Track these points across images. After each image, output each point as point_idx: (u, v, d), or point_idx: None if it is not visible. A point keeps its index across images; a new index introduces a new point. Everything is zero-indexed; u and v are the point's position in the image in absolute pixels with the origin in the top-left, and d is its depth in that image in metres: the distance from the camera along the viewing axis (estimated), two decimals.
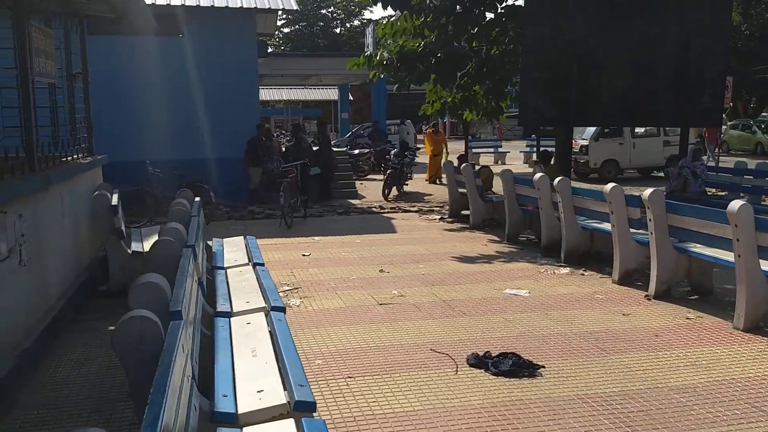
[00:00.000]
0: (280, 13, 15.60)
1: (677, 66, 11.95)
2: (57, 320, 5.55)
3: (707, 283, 6.73)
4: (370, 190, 16.66)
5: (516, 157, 25.61)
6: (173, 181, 12.40)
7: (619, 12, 11.31)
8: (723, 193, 12.09)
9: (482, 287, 7.17)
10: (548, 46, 11.57)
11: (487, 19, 13.08)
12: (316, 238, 10.37)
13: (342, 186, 15.87)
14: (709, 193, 11.39)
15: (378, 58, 13.47)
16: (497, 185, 13.00)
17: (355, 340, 5.50)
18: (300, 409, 3.10)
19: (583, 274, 7.71)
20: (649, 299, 6.60)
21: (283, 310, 4.58)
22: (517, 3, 13.00)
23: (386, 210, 13.58)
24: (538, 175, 8.82)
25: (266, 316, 4.61)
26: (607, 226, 7.74)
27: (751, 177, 10.88)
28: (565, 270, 7.88)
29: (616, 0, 11.34)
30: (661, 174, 19.83)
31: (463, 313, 6.24)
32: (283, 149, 17.55)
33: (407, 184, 16.27)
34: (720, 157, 20.52)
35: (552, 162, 11.28)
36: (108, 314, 6.36)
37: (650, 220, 6.63)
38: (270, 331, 4.24)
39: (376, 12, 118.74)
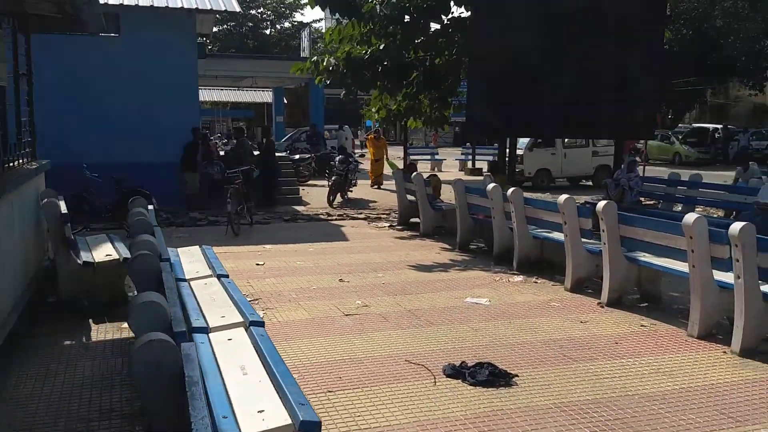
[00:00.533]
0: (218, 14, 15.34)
1: (615, 81, 12.49)
2: (11, 335, 5.26)
3: (656, 291, 7.06)
4: (314, 196, 16.56)
5: (452, 165, 26.04)
6: (111, 187, 11.96)
7: (562, 27, 11.71)
8: (658, 203, 12.70)
9: (444, 296, 7.28)
10: (493, 59, 11.86)
11: (433, 29, 13.31)
12: (268, 246, 10.23)
13: (286, 192, 15.70)
14: (644, 203, 11.92)
15: (324, 63, 13.44)
16: (447, 194, 13.22)
17: (328, 353, 5.47)
18: (305, 429, 3.07)
19: (536, 282, 7.94)
20: (602, 306, 6.87)
21: (262, 324, 4.50)
22: (463, 15, 13.25)
23: (334, 217, 13.54)
24: (491, 185, 9.02)
25: (246, 331, 4.53)
26: (557, 235, 8.02)
27: (685, 188, 11.48)
28: (519, 278, 8.10)
29: (558, 15, 11.73)
30: (590, 183, 20.65)
31: (429, 322, 6.31)
32: (222, 153, 17.23)
33: (352, 191, 16.27)
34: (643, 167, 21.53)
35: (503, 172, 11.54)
36: (61, 327, 6.10)
37: (603, 230, 6.91)
38: (255, 348, 4.17)
39: (308, 15, 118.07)
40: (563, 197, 7.54)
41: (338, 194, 15.65)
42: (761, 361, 5.15)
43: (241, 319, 4.84)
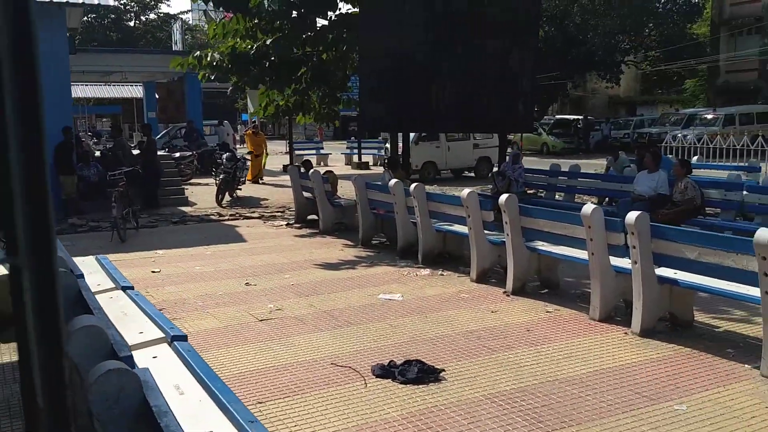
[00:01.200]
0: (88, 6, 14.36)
1: (496, 77, 13.02)
2: None
3: (555, 278, 7.46)
4: (200, 196, 15.97)
5: (337, 159, 26.06)
6: None
7: (446, 25, 12.04)
8: (537, 193, 13.41)
9: (356, 294, 7.28)
10: (383, 55, 11.99)
11: (321, 25, 13.23)
12: (160, 251, 9.75)
13: (170, 193, 15.03)
14: (529, 193, 12.54)
15: (208, 59, 12.99)
16: (346, 190, 13.22)
17: (250, 362, 5.31)
18: None
19: (442, 275, 8.15)
20: (508, 295, 7.17)
21: (185, 338, 4.29)
22: (351, 11, 13.24)
23: (226, 217, 13.13)
24: (393, 181, 9.13)
25: (170, 346, 4.30)
26: (459, 228, 8.27)
27: (565, 178, 12.20)
28: (426, 271, 8.27)
29: (442, 14, 12.04)
30: (472, 174, 21.45)
31: (348, 322, 6.29)
32: (97, 154, 16.20)
33: (240, 189, 15.85)
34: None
35: (400, 167, 11.70)
36: None
37: (506, 222, 7.20)
38: (185, 365, 3.96)
39: (174, 6, 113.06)
40: (466, 191, 7.78)
41: (227, 193, 15.20)
42: (660, 340, 5.59)
43: (161, 335, 4.57)
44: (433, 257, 8.67)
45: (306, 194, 11.86)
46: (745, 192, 9.56)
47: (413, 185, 8.68)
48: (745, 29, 34.87)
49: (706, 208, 9.68)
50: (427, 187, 9.07)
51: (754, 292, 4.91)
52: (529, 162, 13.90)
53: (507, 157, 13.07)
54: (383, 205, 9.64)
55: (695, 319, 6.03)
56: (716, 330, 5.90)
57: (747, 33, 34.94)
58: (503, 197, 7.25)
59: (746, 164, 12.97)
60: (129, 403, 2.30)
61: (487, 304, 6.87)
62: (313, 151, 25.11)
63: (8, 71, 0.64)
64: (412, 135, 19.82)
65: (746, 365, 4.97)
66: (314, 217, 11.66)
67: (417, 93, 12.00)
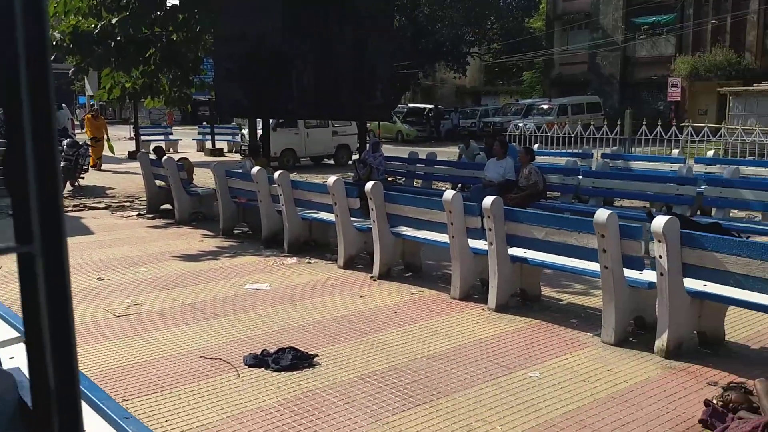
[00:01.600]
0: None
1: (354, 65, 13.21)
2: None
3: (417, 261, 7.77)
4: None
5: (188, 145, 25.07)
6: None
7: (304, 9, 12.02)
8: (396, 180, 13.81)
9: (221, 285, 7.13)
10: (239, 39, 11.74)
11: (171, 4, 12.63)
12: None
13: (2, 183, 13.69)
14: (389, 180, 12.87)
15: None
16: (202, 178, 12.79)
17: (111, 360, 5.06)
18: None
19: (309, 263, 8.19)
20: (375, 280, 7.37)
21: None
22: None
23: (69, 208, 12.19)
24: (256, 168, 9.00)
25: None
26: (325, 215, 8.36)
27: (423, 165, 12.66)
28: (293, 260, 8.26)
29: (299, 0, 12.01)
30: (332, 162, 21.59)
31: (214, 314, 6.16)
32: None
33: (83, 177, 14.81)
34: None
35: (261, 155, 11.52)
36: None
37: (372, 209, 7.38)
38: None
39: None
40: (332, 179, 7.86)
41: (68, 182, 14.15)
42: (513, 314, 6.03)
43: (15, 334, 4.25)
44: (299, 245, 8.68)
45: (159, 183, 11.35)
46: (580, 177, 10.47)
47: (278, 173, 8.62)
48: (576, 24, 37.89)
49: (548, 192, 10.49)
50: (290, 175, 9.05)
51: (594, 266, 5.44)
52: (386, 150, 14.27)
53: (367, 145, 13.32)
54: (245, 193, 9.48)
55: (543, 293, 6.56)
56: (561, 303, 6.46)
57: (578, 28, 37.98)
58: (369, 185, 7.41)
59: (580, 151, 14.17)
60: (5, 405, 2.14)
61: (355, 290, 7.01)
62: (161, 137, 23.98)
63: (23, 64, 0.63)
64: (270, 121, 19.70)
65: (588, 333, 5.50)
66: (168, 206, 11.20)
67: (275, 78, 11.89)
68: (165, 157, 11.08)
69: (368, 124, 25.61)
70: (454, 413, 4.11)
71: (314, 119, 19.48)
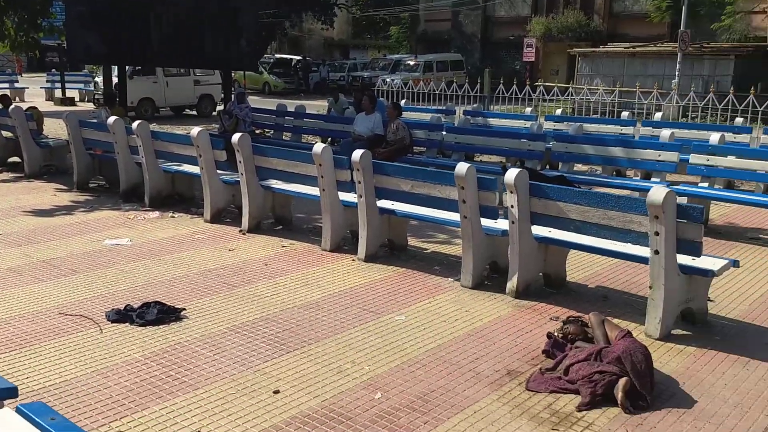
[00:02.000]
0: None
1: (217, 11, 12.73)
2: None
3: (288, 214, 7.80)
4: None
5: (36, 94, 23.07)
6: None
7: None
8: (265, 132, 13.61)
9: (78, 241, 6.80)
10: None
11: None
12: None
13: None
14: (257, 132, 12.66)
15: None
16: (52, 129, 11.88)
17: None
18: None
19: (173, 217, 7.97)
20: (244, 234, 7.33)
21: None
22: None
23: None
24: (112, 118, 8.53)
25: None
26: (189, 168, 8.14)
27: (292, 118, 12.55)
28: (155, 214, 8.01)
29: None
30: (194, 112, 20.79)
31: (73, 270, 5.89)
32: None
33: None
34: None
35: (118, 103, 10.86)
36: None
37: (240, 161, 7.29)
38: None
39: None
40: (196, 130, 7.64)
41: None
42: (382, 264, 6.28)
43: None
44: (161, 199, 8.41)
45: (6, 134, 10.44)
46: (444, 132, 10.89)
47: (136, 123, 8.23)
48: None
49: (414, 147, 10.83)
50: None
51: (455, 217, 5.78)
52: (253, 101, 14.00)
53: (232, 96, 12.96)
54: (101, 144, 8.97)
55: (409, 243, 6.86)
56: (425, 251, 6.80)
57: None
58: (236, 136, 7.29)
59: (444, 108, 14.67)
60: None
61: (223, 243, 6.95)
62: (6, 85, 21.88)
63: None
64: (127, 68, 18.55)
65: (449, 278, 5.87)
66: (17, 159, 10.36)
67: (132, 22, 11.21)
68: (12, 107, 10.18)
69: (233, 74, 24.83)
70: (324, 357, 4.28)
71: (174, 67, 18.56)
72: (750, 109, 12.40)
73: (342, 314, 5.05)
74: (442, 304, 5.28)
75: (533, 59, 23.21)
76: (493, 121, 12.58)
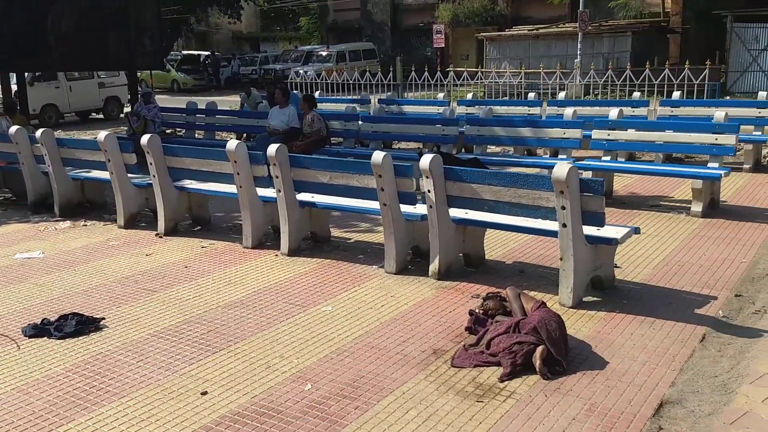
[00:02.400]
0: None
1: (117, 10, 12.30)
2: None
3: (205, 214, 7.68)
4: None
5: None
6: None
7: None
8: (176, 132, 13.28)
9: None
10: None
11: None
12: None
13: None
14: (168, 132, 12.34)
15: None
16: None
17: None
18: None
19: (85, 225, 7.71)
20: (161, 237, 7.18)
21: None
22: None
23: None
24: (14, 128, 8.13)
25: None
26: (99, 174, 7.88)
27: (204, 115, 12.29)
28: (66, 224, 7.72)
29: None
30: (101, 116, 20.02)
31: None
32: None
33: None
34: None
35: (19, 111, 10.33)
36: None
37: (151, 163, 7.11)
38: None
39: None
40: (103, 134, 7.40)
41: None
42: (306, 257, 6.30)
43: None
44: (72, 208, 8.11)
45: None
46: (360, 122, 10.96)
47: (40, 131, 7.88)
48: None
49: (331, 138, 10.86)
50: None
51: (375, 205, 5.86)
52: (162, 100, 13.64)
53: (139, 96, 12.58)
54: (4, 156, 8.54)
55: (332, 234, 6.91)
56: (349, 241, 6.87)
57: None
58: (145, 137, 7.10)
59: (359, 97, 14.73)
60: None
61: (140, 249, 6.79)
62: None
63: None
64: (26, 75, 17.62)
65: (374, 266, 5.96)
66: None
67: (28, 27, 10.66)
68: None
69: (139, 74, 24.01)
70: (251, 354, 4.29)
71: (76, 71, 17.78)
72: (647, 83, 13.10)
73: (268, 310, 5.05)
74: (368, 292, 5.36)
75: (443, 45, 23.57)
76: (408, 109, 12.75)
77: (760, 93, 10.41)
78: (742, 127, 8.32)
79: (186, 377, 4.01)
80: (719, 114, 8.15)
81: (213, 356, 4.28)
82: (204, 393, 3.80)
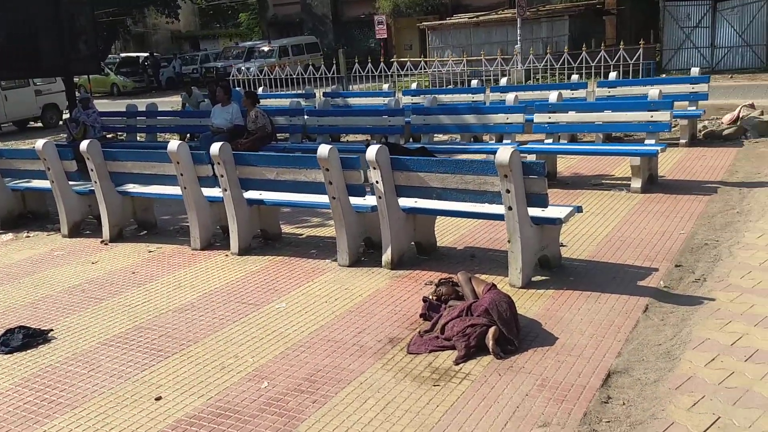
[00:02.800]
0: None
1: (49, 14, 11.91)
2: None
3: (151, 218, 7.54)
4: None
5: None
6: None
7: None
8: (117, 136, 12.96)
9: None
10: None
11: None
12: None
13: None
14: (108, 137, 12.02)
15: None
16: None
17: None
18: None
19: (28, 236, 7.49)
20: (106, 244, 7.02)
21: None
22: None
23: None
24: None
25: None
26: (39, 183, 7.65)
27: (144, 117, 12.02)
28: (8, 236, 7.49)
29: None
30: (39, 124, 19.37)
31: None
32: None
33: None
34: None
35: None
36: None
37: (92, 169, 6.94)
38: None
39: None
40: (41, 142, 7.18)
41: None
42: (257, 255, 6.25)
43: None
44: (13, 220, 7.88)
45: None
46: (306, 116, 10.90)
47: None
48: None
49: (277, 134, 10.77)
50: None
51: (324, 199, 5.85)
52: (103, 104, 13.29)
53: (77, 102, 12.21)
54: None
55: (283, 231, 6.87)
56: (300, 237, 6.85)
57: None
58: (84, 143, 6.92)
59: (304, 91, 14.63)
60: None
61: (85, 257, 6.63)
62: None
63: None
64: None
65: (327, 260, 5.96)
66: None
67: None
68: None
69: (77, 79, 23.29)
70: (205, 356, 4.24)
71: (10, 79, 17.15)
72: (584, 65, 13.40)
73: (220, 311, 5.00)
74: (322, 286, 5.36)
75: (386, 36, 23.60)
76: (353, 101, 12.74)
77: (692, 69, 10.75)
78: (677, 103, 8.61)
79: (139, 384, 3.95)
80: (653, 92, 8.39)
81: (165, 361, 4.22)
82: (158, 398, 3.75)
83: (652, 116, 7.77)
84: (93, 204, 7.28)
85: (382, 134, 10.31)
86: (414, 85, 13.84)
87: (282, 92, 16.38)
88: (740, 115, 10.38)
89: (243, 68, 20.54)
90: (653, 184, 7.64)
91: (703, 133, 10.31)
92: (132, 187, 7.18)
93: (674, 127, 10.08)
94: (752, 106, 10.89)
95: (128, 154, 7.11)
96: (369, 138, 11.20)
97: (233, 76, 18.75)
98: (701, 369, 3.62)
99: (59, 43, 12.12)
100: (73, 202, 7.35)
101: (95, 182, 6.98)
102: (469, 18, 25.65)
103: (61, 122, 17.87)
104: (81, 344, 4.58)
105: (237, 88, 15.22)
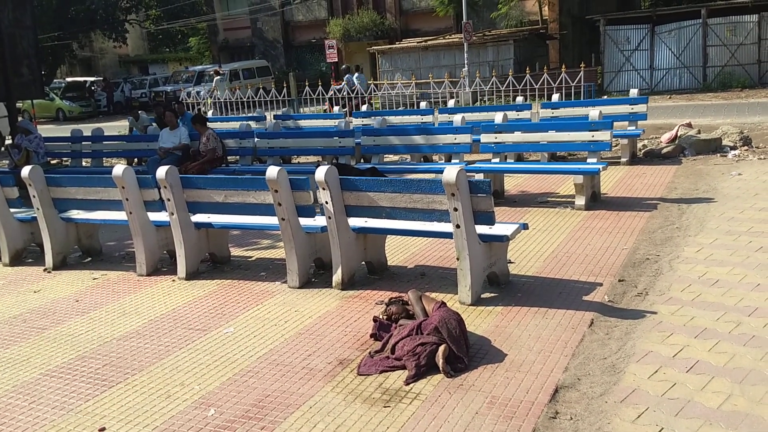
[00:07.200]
0: None
1: None
2: None
3: (96, 244, 7.35)
4: None
5: None
6: None
7: None
8: (62, 162, 12.64)
9: None
10: None
11: None
12: None
13: None
14: (53, 163, 11.72)
15: None
16: None
17: None
18: None
19: None
20: (49, 272, 6.82)
21: None
22: None
23: None
24: None
25: None
26: None
27: (90, 142, 11.75)
28: None
29: None
30: None
31: None
32: None
33: None
34: None
35: None
36: None
37: (34, 196, 6.74)
38: None
39: None
40: None
41: None
42: (205, 279, 6.15)
43: None
44: None
45: None
46: (256, 139, 10.85)
47: None
48: None
49: (228, 157, 10.68)
50: None
51: (273, 221, 5.82)
52: (47, 130, 12.94)
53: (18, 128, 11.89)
54: None
55: (232, 254, 6.78)
56: (250, 259, 6.77)
57: None
58: (26, 169, 6.73)
59: (254, 114, 14.56)
60: None
61: (27, 286, 6.42)
62: None
63: None
64: None
65: (277, 282, 5.90)
66: None
67: None
68: None
69: (20, 104, 22.63)
70: (150, 385, 4.13)
71: None
72: (528, 87, 13.74)
73: (166, 338, 4.89)
74: (271, 309, 5.30)
75: (336, 60, 23.77)
76: (304, 123, 12.74)
77: (632, 90, 11.13)
78: (617, 123, 8.88)
79: (82, 415, 3.81)
80: (594, 113, 8.65)
81: (109, 391, 4.10)
82: (102, 429, 3.63)
83: (593, 136, 8.00)
84: (35, 231, 7.07)
85: (333, 155, 10.33)
86: (364, 107, 13.93)
87: (233, 115, 16.26)
88: (678, 134, 10.79)
89: (193, 92, 20.36)
90: (596, 201, 7.84)
91: (643, 151, 10.66)
92: (76, 213, 7.01)
93: (615, 146, 10.41)
94: (689, 125, 11.34)
95: (72, 179, 6.95)
96: (320, 159, 11.20)
97: (183, 99, 18.54)
98: (645, 381, 3.70)
99: (0, 67, 11.83)
100: (15, 229, 7.13)
101: (38, 209, 6.78)
102: (418, 42, 26.05)
103: (2, 149, 17.33)
104: (22, 376, 4.41)
105: (189, 111, 15.05)
